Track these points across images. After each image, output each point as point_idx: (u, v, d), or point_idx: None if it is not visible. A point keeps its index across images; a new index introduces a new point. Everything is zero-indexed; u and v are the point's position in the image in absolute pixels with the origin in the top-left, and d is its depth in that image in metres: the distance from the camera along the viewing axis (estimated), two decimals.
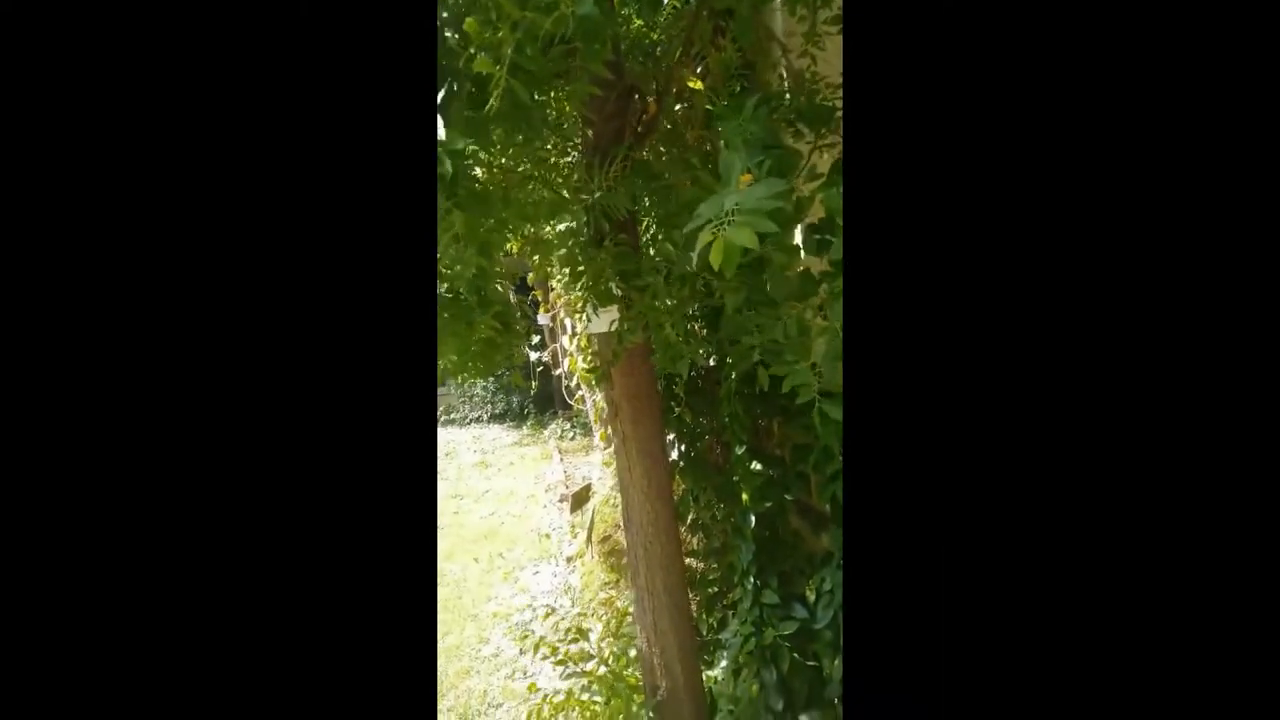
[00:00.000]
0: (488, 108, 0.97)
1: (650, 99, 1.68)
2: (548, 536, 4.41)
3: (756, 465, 2.46)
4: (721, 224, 0.86)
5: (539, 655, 2.32)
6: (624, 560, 3.28)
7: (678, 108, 1.73)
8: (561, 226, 1.71)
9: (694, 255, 0.90)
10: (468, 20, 1.00)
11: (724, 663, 2.28)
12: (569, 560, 3.92)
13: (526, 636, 2.78)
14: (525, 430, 7.61)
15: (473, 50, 0.99)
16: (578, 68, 1.13)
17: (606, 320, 1.79)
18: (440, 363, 1.60)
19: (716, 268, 0.86)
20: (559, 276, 2.29)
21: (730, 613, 2.57)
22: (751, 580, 2.49)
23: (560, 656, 2.15)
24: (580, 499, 3.64)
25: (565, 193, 1.91)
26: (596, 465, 5.89)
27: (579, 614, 3.11)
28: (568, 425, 7.28)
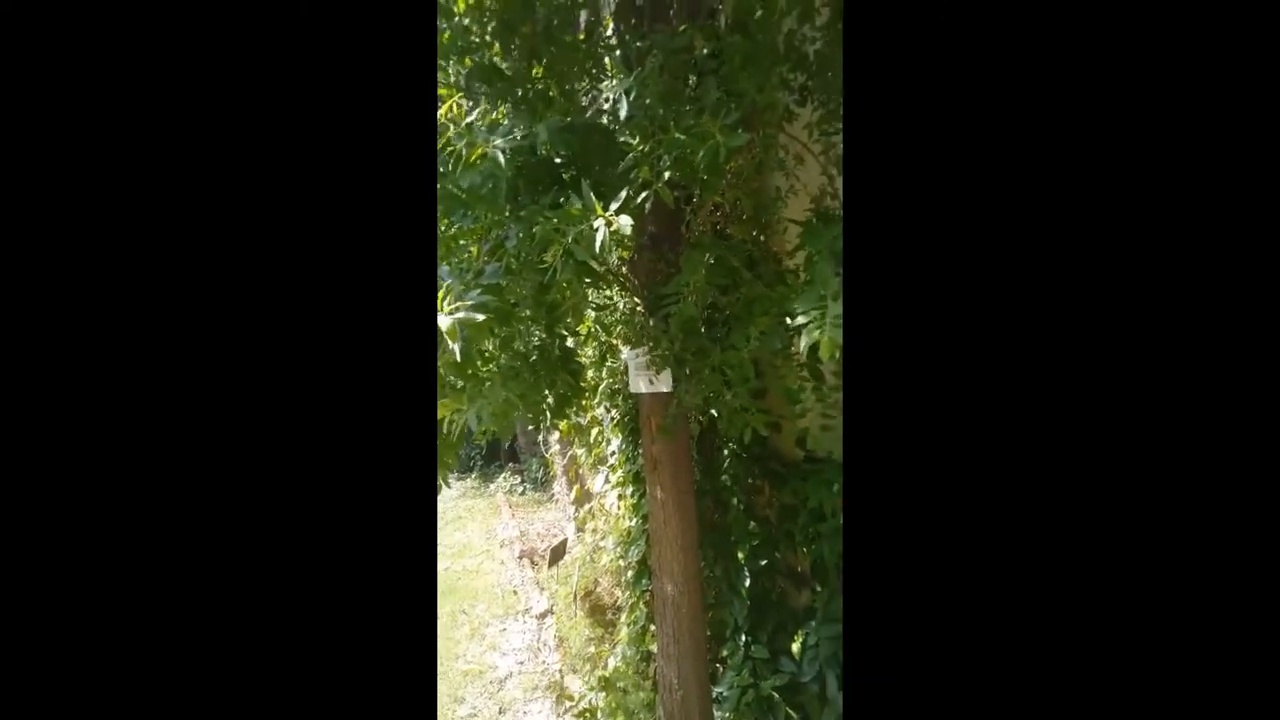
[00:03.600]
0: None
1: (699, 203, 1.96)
2: (515, 593, 4.37)
3: (753, 525, 2.67)
4: (823, 325, 1.10)
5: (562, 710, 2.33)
6: (607, 616, 3.35)
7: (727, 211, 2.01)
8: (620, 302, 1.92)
9: (803, 345, 1.14)
10: (633, 128, 1.23)
11: (727, 714, 2.40)
12: (540, 616, 3.91)
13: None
14: (470, 483, 7.48)
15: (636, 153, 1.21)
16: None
17: (662, 384, 1.99)
18: (512, 415, 1.74)
19: (826, 359, 1.10)
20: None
21: (719, 667, 2.70)
22: (744, 636, 2.65)
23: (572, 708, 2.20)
24: (557, 554, 3.68)
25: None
26: (554, 522, 5.89)
27: (563, 669, 3.12)
28: (517, 479, 7.23)
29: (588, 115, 1.43)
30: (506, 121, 1.30)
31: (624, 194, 1.16)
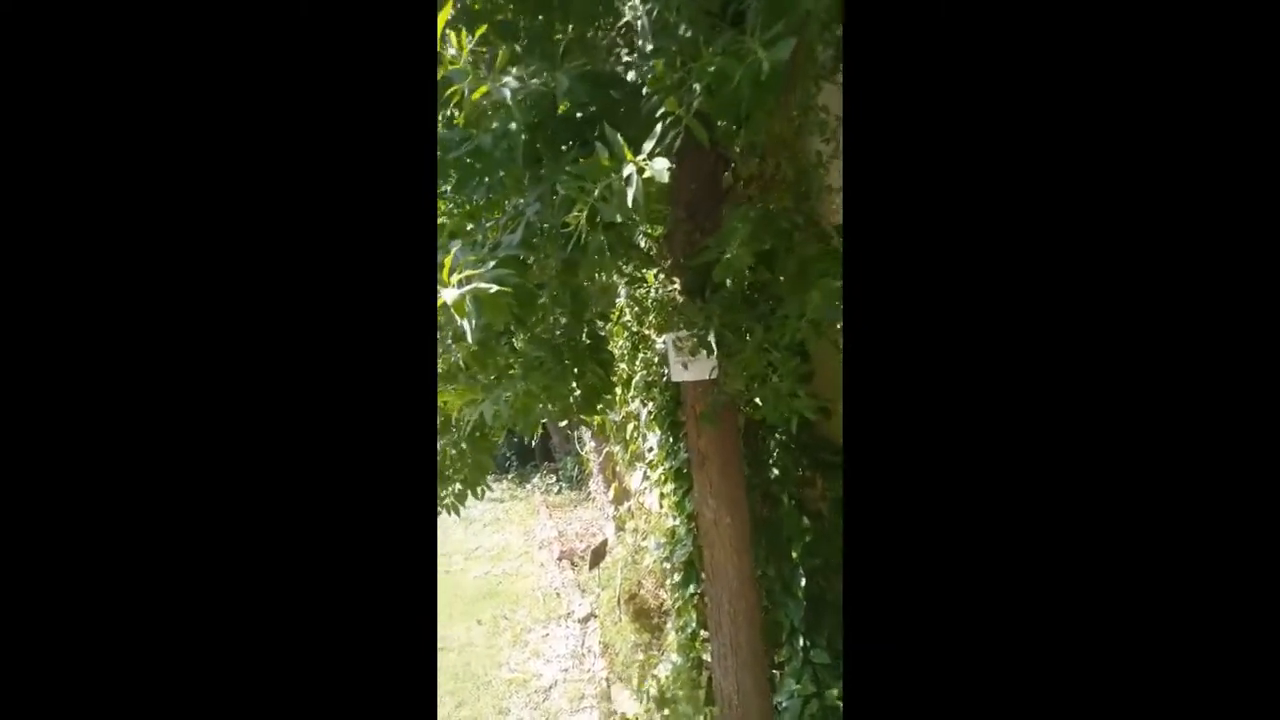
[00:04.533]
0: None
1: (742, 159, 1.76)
2: (557, 595, 4.25)
3: (805, 520, 2.47)
4: None
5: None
6: (654, 620, 3.18)
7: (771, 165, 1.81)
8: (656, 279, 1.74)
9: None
10: (656, 63, 1.05)
11: None
12: (583, 621, 3.77)
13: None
14: (506, 484, 7.40)
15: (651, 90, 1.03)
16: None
17: (702, 368, 1.80)
18: (538, 410, 1.58)
19: None
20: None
21: (776, 673, 2.51)
22: (801, 639, 2.45)
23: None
24: (598, 555, 3.53)
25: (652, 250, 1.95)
26: (591, 521, 5.76)
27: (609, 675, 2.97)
28: (552, 479, 7.12)
29: (608, 65, 1.26)
30: (518, 72, 1.13)
31: (653, 138, 0.98)
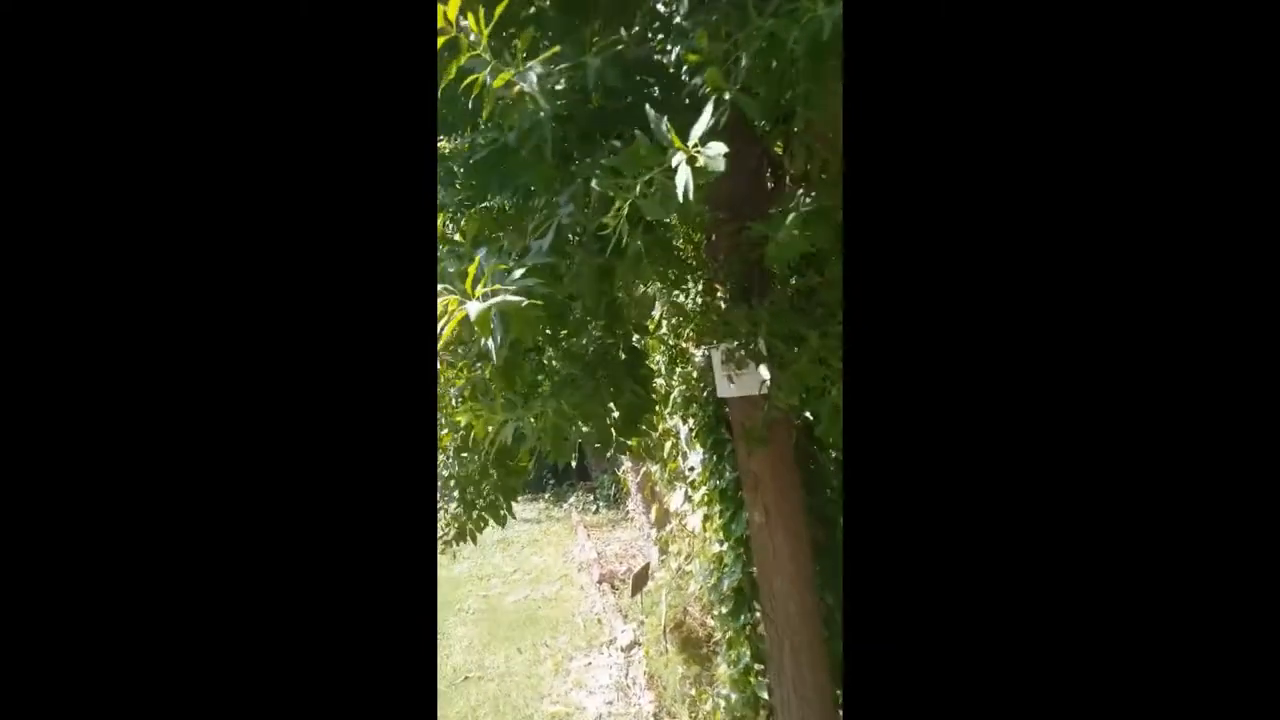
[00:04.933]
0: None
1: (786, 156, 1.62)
2: (599, 622, 4.10)
3: None
4: None
5: None
6: (703, 650, 3.01)
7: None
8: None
9: None
10: (699, 34, 0.92)
11: None
12: (627, 649, 3.61)
13: None
14: (543, 504, 7.30)
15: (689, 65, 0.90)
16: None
17: (751, 383, 1.66)
18: (572, 433, 1.44)
19: None
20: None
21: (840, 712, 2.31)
22: None
23: None
24: (640, 580, 3.38)
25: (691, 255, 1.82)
26: (630, 542, 5.61)
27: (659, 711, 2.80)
28: (589, 498, 7.00)
29: (642, 51, 1.13)
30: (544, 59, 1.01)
31: (700, 124, 0.85)
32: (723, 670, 2.58)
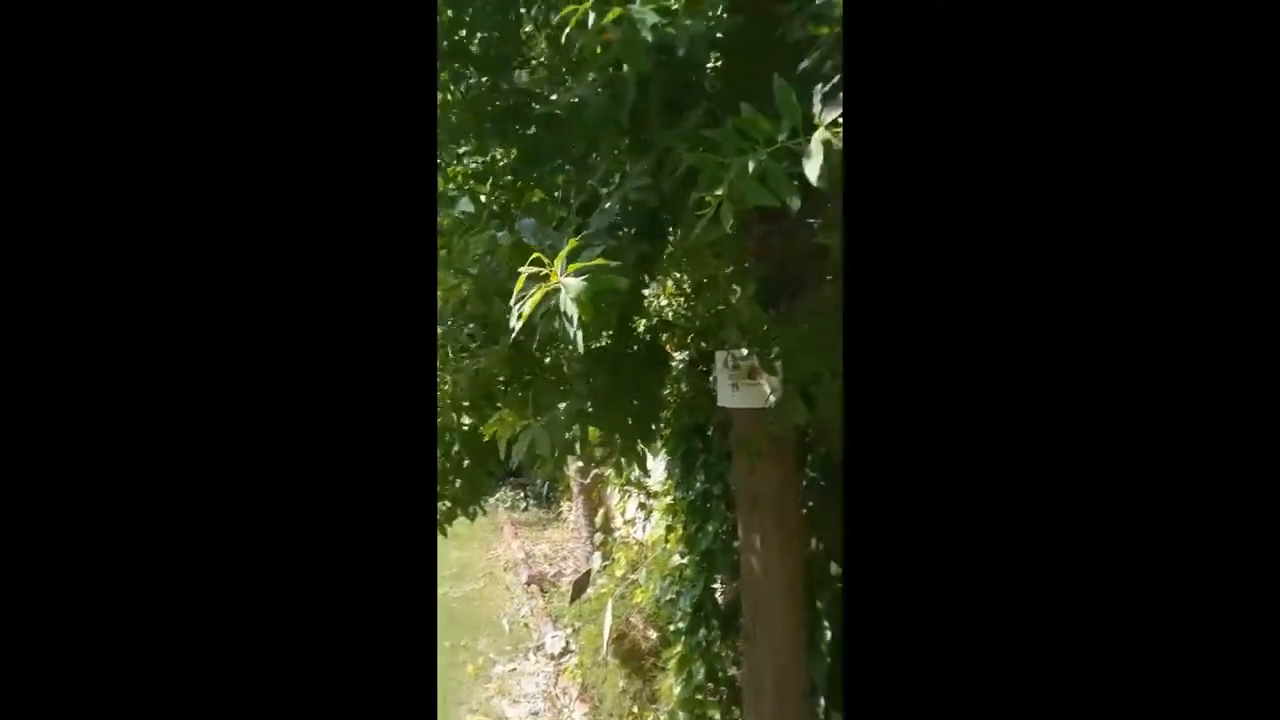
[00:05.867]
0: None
1: None
2: (526, 626, 3.91)
3: (834, 568, 2.25)
4: None
5: None
6: (644, 664, 2.90)
7: None
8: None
9: None
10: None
11: None
12: (556, 657, 3.45)
13: None
14: None
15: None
16: None
17: (756, 395, 1.57)
18: (585, 433, 1.31)
19: None
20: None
21: None
22: (822, 700, 2.21)
23: None
24: (580, 586, 3.24)
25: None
26: (562, 543, 5.43)
27: None
28: (519, 494, 6.76)
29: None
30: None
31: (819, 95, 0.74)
32: (669, 687, 2.49)
